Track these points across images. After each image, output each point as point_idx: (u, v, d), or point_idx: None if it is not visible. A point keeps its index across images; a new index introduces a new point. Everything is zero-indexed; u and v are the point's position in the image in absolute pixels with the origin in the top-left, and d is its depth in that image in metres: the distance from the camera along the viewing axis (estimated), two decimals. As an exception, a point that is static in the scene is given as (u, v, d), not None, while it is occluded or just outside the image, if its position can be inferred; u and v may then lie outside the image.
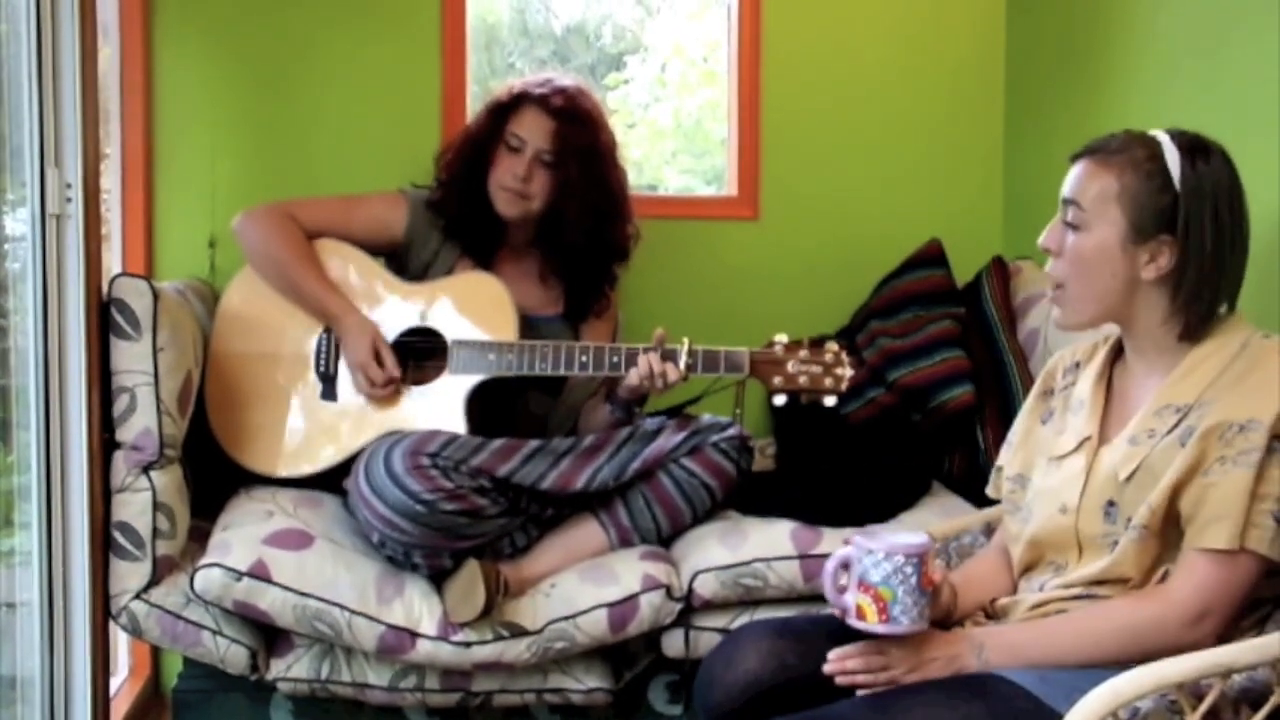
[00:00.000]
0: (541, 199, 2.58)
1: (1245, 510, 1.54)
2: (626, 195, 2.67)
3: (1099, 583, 1.65)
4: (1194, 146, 1.64)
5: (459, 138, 2.72)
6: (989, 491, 1.95)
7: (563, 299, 2.68)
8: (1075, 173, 1.69)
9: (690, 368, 2.38)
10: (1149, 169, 1.63)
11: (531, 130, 2.57)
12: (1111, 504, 1.65)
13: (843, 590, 1.66)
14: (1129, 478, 1.63)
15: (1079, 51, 2.80)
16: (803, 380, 2.37)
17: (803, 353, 2.38)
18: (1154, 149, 1.64)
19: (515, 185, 2.56)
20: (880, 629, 1.62)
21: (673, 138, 4.28)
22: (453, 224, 2.64)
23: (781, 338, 2.40)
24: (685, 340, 2.39)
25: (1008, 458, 1.88)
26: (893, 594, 1.60)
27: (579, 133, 2.56)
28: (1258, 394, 1.57)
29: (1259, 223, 1.69)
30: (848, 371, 2.37)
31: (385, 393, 2.47)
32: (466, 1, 3.04)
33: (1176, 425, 1.61)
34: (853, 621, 1.64)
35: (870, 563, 1.61)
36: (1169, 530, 1.61)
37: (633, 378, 2.39)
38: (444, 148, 2.74)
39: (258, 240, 2.55)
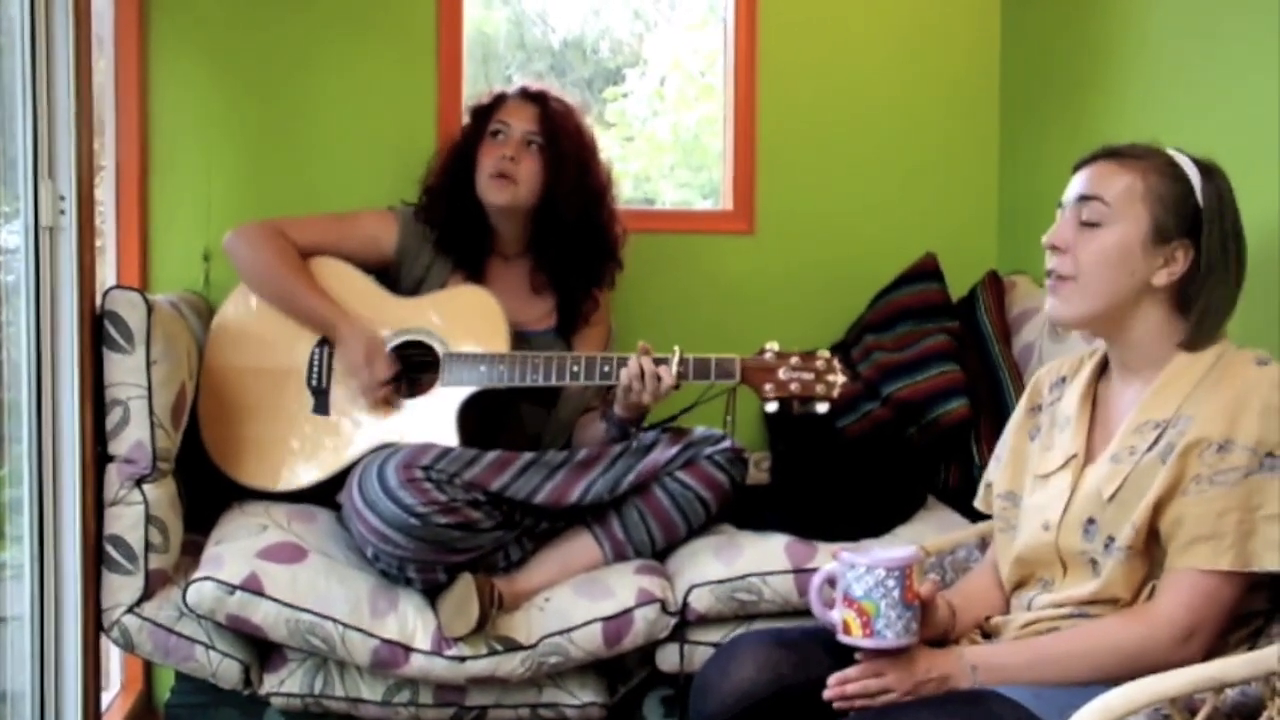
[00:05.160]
0: (530, 186, 2.59)
1: (1230, 529, 1.54)
2: (611, 190, 2.69)
3: (1090, 603, 1.65)
4: (1203, 165, 1.67)
5: (445, 147, 2.76)
6: (978, 504, 1.95)
7: (554, 313, 2.68)
8: (1091, 172, 1.69)
9: (681, 375, 2.37)
10: (1173, 174, 1.65)
11: (515, 116, 2.61)
12: (1091, 521, 1.65)
13: (830, 605, 1.67)
14: (1112, 497, 1.63)
15: (1073, 67, 2.80)
16: (794, 387, 2.35)
17: (794, 359, 2.37)
18: (1170, 159, 1.66)
19: (503, 167, 2.57)
20: (865, 643, 1.62)
21: (671, 151, 4.28)
22: (442, 232, 2.64)
23: (773, 345, 2.38)
24: (676, 349, 2.38)
25: (996, 474, 1.88)
26: (875, 608, 1.60)
27: (562, 116, 2.62)
28: (1234, 411, 1.57)
29: (1253, 235, 1.69)
30: (839, 378, 2.35)
31: (381, 394, 2.47)
32: (463, 14, 3.04)
33: (1156, 441, 1.61)
34: (840, 636, 1.64)
35: (853, 577, 1.62)
36: (1154, 548, 1.61)
37: (624, 378, 2.37)
38: (431, 159, 2.76)
39: (249, 256, 2.55)
